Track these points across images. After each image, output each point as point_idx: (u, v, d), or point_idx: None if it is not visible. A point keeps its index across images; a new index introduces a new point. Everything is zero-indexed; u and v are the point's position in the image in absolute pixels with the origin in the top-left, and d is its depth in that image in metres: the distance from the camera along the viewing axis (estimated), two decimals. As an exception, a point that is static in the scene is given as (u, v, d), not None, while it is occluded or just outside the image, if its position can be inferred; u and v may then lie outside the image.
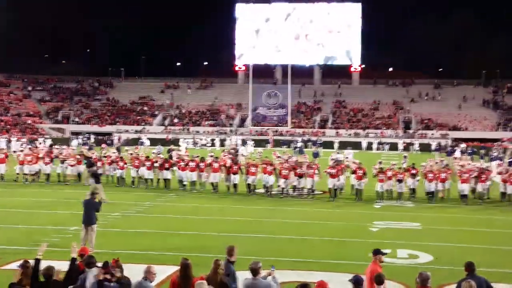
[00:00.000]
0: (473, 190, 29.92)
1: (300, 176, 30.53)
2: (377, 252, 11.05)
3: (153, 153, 40.57)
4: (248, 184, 31.21)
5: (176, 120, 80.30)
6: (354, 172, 30.52)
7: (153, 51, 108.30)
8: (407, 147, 65.76)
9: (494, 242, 20.30)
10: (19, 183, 34.50)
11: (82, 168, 34.93)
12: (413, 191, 30.20)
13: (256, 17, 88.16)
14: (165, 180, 32.78)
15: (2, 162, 35.79)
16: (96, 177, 29.00)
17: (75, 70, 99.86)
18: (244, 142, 66.18)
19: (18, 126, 72.60)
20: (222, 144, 67.45)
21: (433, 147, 66.03)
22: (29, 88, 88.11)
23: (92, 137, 67.87)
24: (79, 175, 34.93)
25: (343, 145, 64.37)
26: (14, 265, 11.16)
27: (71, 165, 35.19)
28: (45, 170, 35.40)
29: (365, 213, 26.20)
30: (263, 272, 10.48)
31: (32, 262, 9.95)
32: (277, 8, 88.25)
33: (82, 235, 17.64)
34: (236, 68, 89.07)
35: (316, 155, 48.95)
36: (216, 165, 32.22)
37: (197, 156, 34.76)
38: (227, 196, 30.74)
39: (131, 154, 37.27)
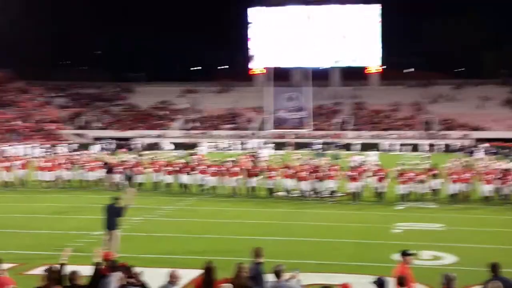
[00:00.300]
0: (497, 191, 29.66)
1: (321, 179, 30.51)
2: (405, 253, 11.04)
3: (173, 156, 40.73)
4: (270, 188, 31.20)
5: (196, 124, 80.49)
6: (374, 174, 30.59)
7: (172, 56, 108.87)
8: (431, 148, 65.48)
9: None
10: (38, 189, 34.68)
11: (102, 173, 35.17)
12: (435, 192, 29.96)
13: (271, 20, 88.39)
14: (185, 184, 32.85)
15: (5, 170, 35.82)
16: (130, 180, 29.34)
17: (95, 76, 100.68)
18: (264, 145, 66.29)
19: (41, 132, 73.02)
20: (242, 148, 67.50)
21: (455, 147, 65.81)
22: (51, 95, 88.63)
23: (113, 143, 68.07)
24: (99, 180, 35.02)
25: (364, 147, 64.42)
26: (39, 270, 11.22)
27: (90, 170, 35.42)
28: (66, 176, 35.69)
29: (387, 215, 26.08)
30: (286, 275, 10.51)
31: (57, 267, 10.02)
32: (292, 11, 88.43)
33: (105, 240, 17.75)
34: (253, 72, 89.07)
35: (336, 157, 49.02)
36: (236, 169, 32.43)
37: (217, 160, 34.92)
38: (247, 199, 30.64)
39: (152, 158, 37.42)
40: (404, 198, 29.46)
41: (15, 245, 19.14)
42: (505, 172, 30.54)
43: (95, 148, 63.78)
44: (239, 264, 10.92)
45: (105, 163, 36.61)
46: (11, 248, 18.25)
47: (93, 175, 35.03)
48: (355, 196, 29.64)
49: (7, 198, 31.47)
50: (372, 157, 43.95)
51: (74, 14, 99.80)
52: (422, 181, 29.86)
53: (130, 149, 61.85)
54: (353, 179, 29.83)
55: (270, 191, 31.26)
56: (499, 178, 29.59)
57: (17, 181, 36.22)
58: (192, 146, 63.51)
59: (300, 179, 30.59)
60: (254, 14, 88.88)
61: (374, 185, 30.32)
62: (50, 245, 18.56)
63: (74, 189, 34.81)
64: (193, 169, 33.40)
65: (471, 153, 58.68)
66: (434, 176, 30.47)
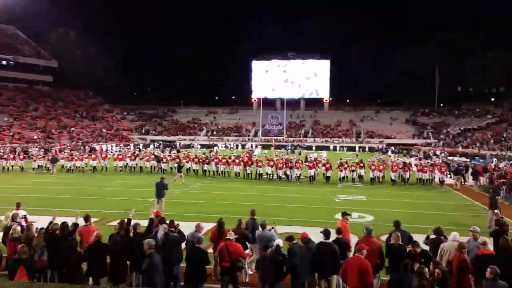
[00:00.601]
0: (400, 176, 29.87)
1: (291, 167, 30.70)
2: (344, 214, 11.20)
3: (199, 153, 40.85)
4: (259, 173, 31.35)
5: (214, 133, 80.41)
6: (324, 165, 30.81)
7: (200, 89, 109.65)
8: (359, 150, 65.54)
9: (413, 208, 20.41)
10: (114, 172, 34.77)
11: (154, 163, 35.33)
12: (361, 177, 30.26)
13: (264, 68, 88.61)
14: (206, 170, 32.87)
15: (94, 160, 36.38)
16: (180, 167, 29.40)
17: (152, 102, 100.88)
18: (256, 146, 66.43)
19: (118, 137, 73.11)
20: (242, 147, 67.37)
21: (374, 149, 65.95)
22: (124, 113, 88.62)
23: (162, 144, 68.08)
24: (152, 168, 35.07)
25: (318, 148, 64.56)
26: (114, 223, 11.30)
27: (147, 161, 35.57)
28: (131, 164, 35.90)
29: (331, 190, 26.14)
30: (268, 227, 10.61)
31: (125, 220, 10.12)
32: (275, 63, 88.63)
33: (155, 204, 17.93)
34: (252, 100, 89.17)
35: (300, 153, 49.24)
36: (237, 161, 32.68)
37: (226, 155, 35.07)
38: (245, 180, 30.72)
39: (185, 154, 37.52)
40: (341, 180, 29.81)
41: (100, 206, 19.26)
42: (405, 164, 30.92)
43: (152, 147, 63.80)
44: (239, 219, 11.08)
45: (156, 156, 36.71)
46: (98, 208, 18.39)
47: (148, 164, 35.22)
48: (311, 179, 29.80)
49: (94, 178, 31.64)
50: (323, 154, 43.99)
51: (143, 66, 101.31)
52: (353, 170, 30.20)
53: (172, 148, 61.70)
54: (310, 168, 30.06)
55: (259, 175, 31.30)
56: (401, 168, 29.96)
57: (99, 167, 36.47)
58: (212, 146, 63.48)
59: (278, 167, 30.81)
60: (255, 64, 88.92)
61: (323, 172, 30.41)
62: (121, 207, 18.69)
63: (136, 172, 34.91)
64: (210, 161, 33.56)
65: (384, 152, 58.92)
66: (361, 167, 30.85)
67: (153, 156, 36.83)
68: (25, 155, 39.61)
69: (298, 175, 30.43)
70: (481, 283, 8.45)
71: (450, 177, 30.50)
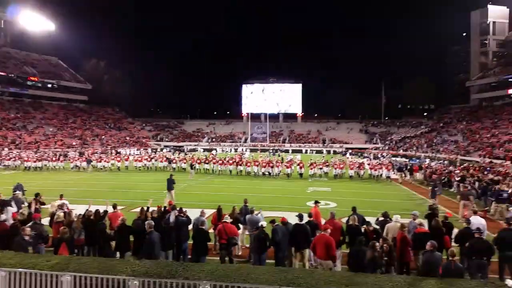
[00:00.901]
0: (356, 173, 30.14)
1: (272, 166, 30.66)
2: (316, 202, 11.45)
3: (201, 155, 40.70)
4: (247, 172, 31.28)
5: (214, 140, 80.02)
6: (298, 164, 30.81)
7: (203, 105, 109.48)
8: (325, 152, 65.72)
9: (366, 197, 20.52)
10: (135, 171, 34.48)
11: (166, 163, 35.12)
12: (326, 173, 30.35)
13: (250, 90, 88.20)
14: (207, 168, 32.78)
15: (119, 161, 36.36)
16: (192, 167, 29.41)
17: (165, 115, 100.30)
18: (245, 150, 66.21)
19: (138, 143, 72.51)
20: (235, 151, 67.01)
21: (337, 151, 66.12)
22: (143, 125, 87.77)
23: (173, 148, 67.54)
24: (164, 167, 34.78)
25: (294, 152, 64.71)
26: (136, 209, 11.24)
27: (160, 161, 35.38)
28: (148, 164, 35.68)
29: (304, 183, 26.20)
30: (256, 212, 10.63)
31: (145, 208, 10.08)
32: (258, 85, 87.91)
33: (167, 195, 17.84)
34: (242, 114, 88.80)
35: (279, 156, 49.25)
36: (231, 161, 32.52)
37: (222, 158, 34.98)
38: (237, 176, 30.48)
39: (190, 156, 37.43)
40: (311, 176, 29.69)
41: (125, 197, 19.07)
42: (360, 164, 31.19)
43: (164, 151, 63.19)
44: (233, 207, 11.08)
45: (167, 158, 36.51)
46: (123, 199, 18.21)
47: (161, 164, 35.01)
48: (288, 175, 29.81)
49: (117, 175, 31.34)
50: (297, 156, 44.14)
51: (158, 88, 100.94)
52: (320, 168, 30.30)
53: (180, 151, 61.28)
54: (287, 167, 30.15)
55: (248, 173, 31.28)
56: (357, 167, 30.37)
57: (123, 167, 36.11)
58: (211, 150, 63.20)
59: (262, 166, 30.83)
60: (244, 88, 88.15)
61: (297, 170, 30.39)
62: (141, 197, 18.51)
63: (152, 171, 34.66)
64: (210, 161, 33.35)
65: (343, 154, 59.17)
66: (326, 165, 30.94)
67: (165, 158, 36.62)
68: (64, 158, 39.12)
69: (277, 172, 30.39)
70: (418, 254, 8.60)
71: (394, 174, 30.70)
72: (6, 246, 8.05)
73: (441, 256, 7.50)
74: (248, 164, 32.00)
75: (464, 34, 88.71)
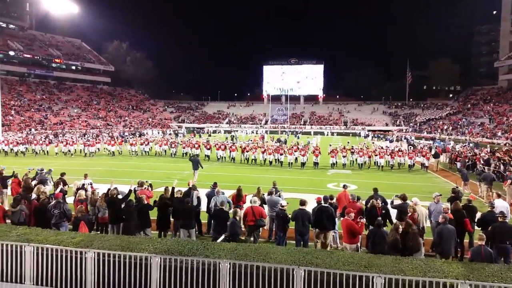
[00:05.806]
0: (387, 163, 25.04)
1: (281, 154, 26.37)
2: (344, 186, 11.68)
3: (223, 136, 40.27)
4: (270, 161, 26.41)
5: (234, 122, 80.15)
6: (313, 151, 25.56)
7: (224, 87, 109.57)
8: (350, 136, 65.06)
9: (387, 180, 20.29)
10: (155, 156, 32.72)
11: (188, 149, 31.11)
12: (352, 162, 26.25)
13: (272, 71, 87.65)
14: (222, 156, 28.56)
15: (133, 145, 32.73)
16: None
17: (187, 97, 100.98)
18: (265, 132, 65.80)
19: (160, 124, 73.45)
20: (256, 133, 66.78)
21: (359, 134, 65.34)
22: (165, 106, 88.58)
23: (194, 129, 67.81)
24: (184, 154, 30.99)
25: (315, 133, 64.47)
26: (161, 188, 11.45)
27: (183, 147, 31.24)
28: (171, 151, 31.83)
29: (323, 172, 25.89)
30: (276, 193, 10.68)
31: (170, 188, 10.27)
32: (281, 66, 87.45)
33: (191, 175, 18.12)
34: (263, 96, 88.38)
35: (298, 138, 48.76)
36: (239, 148, 28.65)
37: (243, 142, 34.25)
38: (240, 164, 27.55)
39: (206, 140, 34.84)
40: (333, 166, 25.10)
41: (149, 177, 19.35)
42: (392, 151, 26.29)
43: (185, 132, 62.77)
44: (259, 187, 11.08)
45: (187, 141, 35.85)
46: (147, 178, 18.51)
47: (184, 150, 31.20)
48: (303, 164, 25.06)
49: (140, 157, 31.46)
50: (313, 140, 40.86)
51: (180, 70, 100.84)
52: (344, 156, 25.94)
53: (203, 133, 61.58)
54: (303, 155, 25.27)
55: (270, 162, 26.27)
56: (389, 154, 25.56)
57: (139, 150, 33.38)
58: (231, 131, 63.54)
59: (269, 154, 26.33)
60: (265, 68, 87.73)
61: (313, 159, 24.93)
62: (166, 177, 18.87)
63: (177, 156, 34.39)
64: (225, 147, 29.13)
65: (365, 137, 58.46)
66: (352, 152, 26.66)
67: (190, 140, 34.39)
68: (97, 140, 37.55)
69: (290, 160, 25.90)
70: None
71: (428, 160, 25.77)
72: (38, 223, 8.42)
73: (453, 229, 7.94)
74: (270, 152, 26.68)
75: (495, 12, 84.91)
